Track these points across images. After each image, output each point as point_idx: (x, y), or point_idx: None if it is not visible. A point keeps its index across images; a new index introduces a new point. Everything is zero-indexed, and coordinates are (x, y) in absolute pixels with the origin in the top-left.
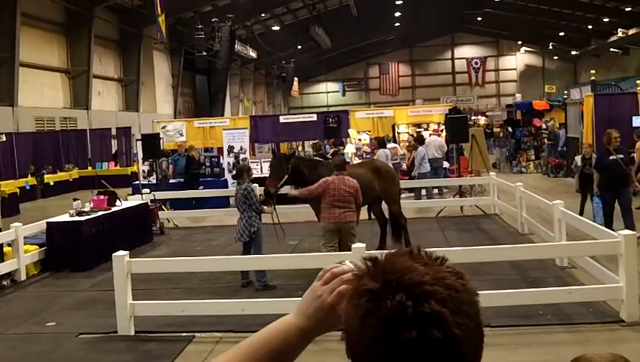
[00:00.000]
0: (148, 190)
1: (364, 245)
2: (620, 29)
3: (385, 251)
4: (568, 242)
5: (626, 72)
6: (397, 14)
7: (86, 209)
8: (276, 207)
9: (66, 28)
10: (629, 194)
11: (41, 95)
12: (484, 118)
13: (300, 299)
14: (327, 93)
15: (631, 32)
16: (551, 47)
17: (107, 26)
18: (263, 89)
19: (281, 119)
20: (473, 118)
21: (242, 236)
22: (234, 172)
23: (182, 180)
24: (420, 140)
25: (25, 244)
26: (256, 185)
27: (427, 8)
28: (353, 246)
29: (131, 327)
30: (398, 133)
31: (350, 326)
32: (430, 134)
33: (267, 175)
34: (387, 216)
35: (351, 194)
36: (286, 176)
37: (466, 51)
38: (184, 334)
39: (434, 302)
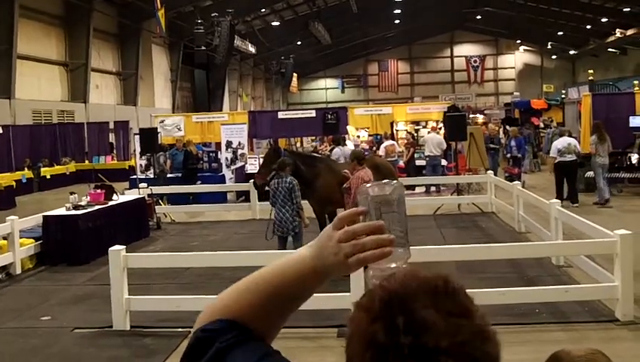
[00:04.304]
0: (145, 184)
1: None
2: (618, 30)
3: (401, 273)
4: (565, 241)
5: (624, 72)
6: (397, 11)
7: (83, 203)
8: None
9: (64, 21)
10: None
11: (38, 88)
12: (482, 116)
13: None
14: (326, 89)
15: (629, 32)
16: (549, 47)
17: (106, 19)
18: (261, 84)
19: (280, 115)
20: (471, 116)
21: (289, 230)
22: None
23: (179, 175)
24: (336, 142)
25: (21, 238)
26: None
27: (427, 6)
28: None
29: (127, 322)
30: (397, 131)
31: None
32: (429, 132)
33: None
34: None
35: None
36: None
37: (465, 49)
38: (180, 329)
39: None
